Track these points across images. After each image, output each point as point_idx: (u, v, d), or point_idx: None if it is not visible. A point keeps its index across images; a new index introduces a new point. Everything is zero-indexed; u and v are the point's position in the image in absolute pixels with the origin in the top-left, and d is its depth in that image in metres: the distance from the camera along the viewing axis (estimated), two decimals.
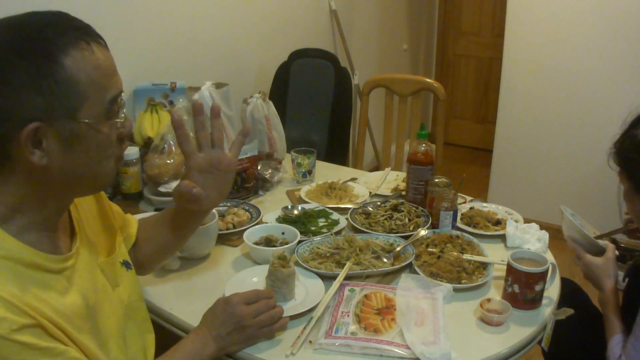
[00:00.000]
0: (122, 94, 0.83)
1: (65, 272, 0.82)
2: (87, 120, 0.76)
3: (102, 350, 0.85)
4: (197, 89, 1.87)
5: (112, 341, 0.89)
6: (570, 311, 1.15)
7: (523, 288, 1.14)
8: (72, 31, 0.75)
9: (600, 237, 1.44)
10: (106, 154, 0.81)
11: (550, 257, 1.34)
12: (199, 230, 1.32)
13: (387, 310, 1.13)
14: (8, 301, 0.70)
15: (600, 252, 1.35)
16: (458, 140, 4.73)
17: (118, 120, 0.81)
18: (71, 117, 0.74)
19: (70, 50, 0.73)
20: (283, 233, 1.40)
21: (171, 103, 1.91)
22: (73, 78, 0.73)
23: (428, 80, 2.34)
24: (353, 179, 1.85)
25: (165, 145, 1.69)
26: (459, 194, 1.57)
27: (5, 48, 0.70)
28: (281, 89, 2.66)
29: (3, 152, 0.74)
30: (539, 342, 1.13)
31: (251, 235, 1.37)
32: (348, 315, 1.11)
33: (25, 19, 0.73)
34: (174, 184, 1.65)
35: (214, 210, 1.42)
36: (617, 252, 1.36)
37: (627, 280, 1.35)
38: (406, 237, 1.40)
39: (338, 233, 1.45)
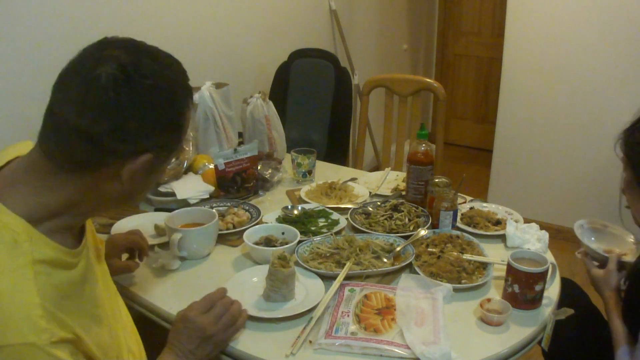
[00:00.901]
0: None
1: (79, 266, 0.84)
2: (170, 161, 0.87)
3: (115, 341, 0.90)
4: (197, 89, 1.86)
5: (121, 333, 0.95)
6: (570, 311, 1.15)
7: (523, 288, 1.14)
8: (189, 86, 0.84)
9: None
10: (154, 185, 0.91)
11: (550, 257, 1.34)
12: (198, 231, 1.32)
13: (387, 310, 1.13)
14: (49, 312, 0.72)
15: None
16: (458, 140, 4.73)
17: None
18: (167, 156, 0.84)
19: (188, 107, 0.83)
20: (283, 233, 1.40)
21: None
22: (184, 126, 0.83)
23: (428, 80, 2.34)
24: (353, 179, 1.85)
25: None
26: (459, 194, 1.57)
27: (162, 87, 0.77)
28: (281, 89, 2.66)
29: (100, 163, 0.77)
30: (539, 342, 1.13)
31: (251, 235, 1.37)
32: (348, 315, 1.11)
33: (167, 61, 0.81)
34: (174, 184, 1.65)
35: (214, 210, 1.43)
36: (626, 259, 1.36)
37: (627, 282, 1.34)
38: (406, 237, 1.40)
39: (338, 233, 1.45)
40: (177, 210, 1.43)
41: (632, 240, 1.44)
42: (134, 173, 0.79)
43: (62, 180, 0.77)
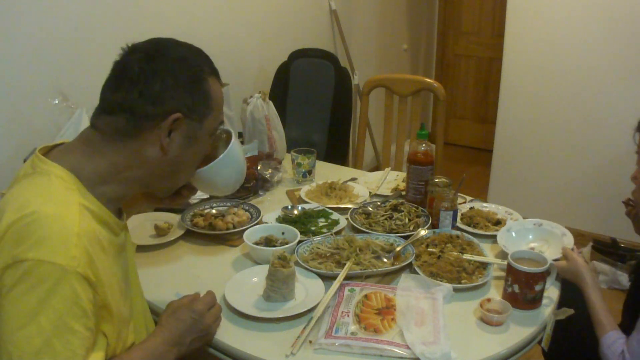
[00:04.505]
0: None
1: (121, 236, 0.94)
2: (207, 128, 0.95)
3: (131, 312, 0.95)
4: None
5: (140, 313, 1.02)
6: (570, 311, 1.15)
7: (523, 288, 1.14)
8: (213, 66, 0.98)
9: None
10: (198, 163, 1.00)
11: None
12: (220, 162, 1.07)
13: (387, 310, 1.13)
14: (84, 245, 0.78)
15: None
16: (458, 140, 4.73)
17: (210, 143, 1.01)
18: (200, 121, 0.93)
19: (210, 77, 0.95)
20: (283, 233, 1.40)
21: None
22: (211, 93, 0.94)
23: (428, 80, 2.34)
24: (353, 179, 1.85)
25: None
26: (459, 194, 1.57)
27: (180, 58, 0.92)
28: (281, 89, 2.66)
29: (139, 128, 0.88)
30: (539, 342, 1.13)
31: (251, 235, 1.37)
32: (348, 315, 1.11)
33: (189, 45, 0.97)
34: None
35: (231, 133, 1.14)
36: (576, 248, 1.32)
37: (632, 278, 1.34)
38: (406, 237, 1.40)
39: (338, 233, 1.45)
40: None
41: (566, 238, 1.39)
42: (172, 135, 0.89)
43: (110, 147, 0.88)
